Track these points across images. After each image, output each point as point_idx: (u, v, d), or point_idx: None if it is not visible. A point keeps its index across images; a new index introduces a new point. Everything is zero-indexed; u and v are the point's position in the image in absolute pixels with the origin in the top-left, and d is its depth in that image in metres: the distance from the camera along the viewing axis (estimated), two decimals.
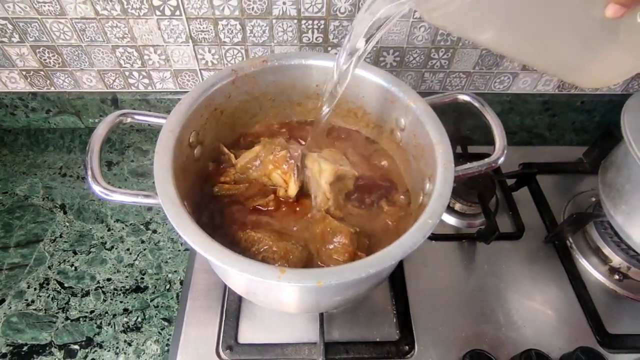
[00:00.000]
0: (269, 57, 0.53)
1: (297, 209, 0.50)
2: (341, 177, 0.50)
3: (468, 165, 0.45)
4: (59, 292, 0.59)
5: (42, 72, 0.72)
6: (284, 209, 0.51)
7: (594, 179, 0.63)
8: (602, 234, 0.64)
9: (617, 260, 0.62)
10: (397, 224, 0.50)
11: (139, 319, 0.57)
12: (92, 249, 0.64)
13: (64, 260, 0.63)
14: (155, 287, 0.60)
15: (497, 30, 0.35)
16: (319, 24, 0.65)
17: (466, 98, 0.50)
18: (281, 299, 0.46)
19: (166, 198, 0.39)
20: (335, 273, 0.35)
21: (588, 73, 0.36)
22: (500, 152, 0.45)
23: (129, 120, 0.46)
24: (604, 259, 0.63)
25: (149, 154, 0.77)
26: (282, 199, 0.51)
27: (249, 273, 0.34)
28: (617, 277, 0.61)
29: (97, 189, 0.39)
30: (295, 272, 0.34)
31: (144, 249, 0.64)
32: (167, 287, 0.60)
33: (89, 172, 0.39)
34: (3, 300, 0.58)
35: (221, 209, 0.50)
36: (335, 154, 0.53)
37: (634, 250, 0.59)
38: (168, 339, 0.55)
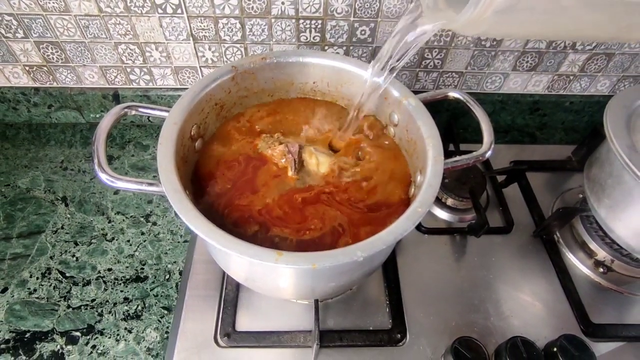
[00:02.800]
0: (268, 54, 0.55)
1: (295, 199, 0.52)
2: (338, 169, 0.52)
3: (457, 158, 0.47)
4: (60, 282, 0.61)
5: (45, 68, 0.73)
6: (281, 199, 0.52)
7: (582, 176, 0.65)
8: (587, 229, 0.66)
9: (602, 254, 0.64)
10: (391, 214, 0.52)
11: (139, 308, 0.59)
12: (93, 240, 0.65)
13: (66, 251, 0.64)
14: (155, 277, 0.62)
15: (533, 25, 0.35)
16: (316, 24, 0.67)
17: (456, 95, 0.52)
18: (278, 284, 0.47)
19: (169, 186, 0.41)
20: (330, 256, 0.36)
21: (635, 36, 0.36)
22: (488, 146, 0.47)
23: (133, 112, 0.47)
24: (590, 253, 0.65)
25: (149, 149, 0.78)
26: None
27: (248, 255, 0.36)
28: (601, 270, 0.64)
29: (103, 176, 0.41)
30: (291, 255, 0.36)
31: (144, 241, 0.66)
32: (167, 277, 0.62)
33: (96, 160, 0.41)
34: (6, 289, 0.60)
35: (221, 198, 0.52)
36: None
37: (617, 244, 0.61)
38: (167, 327, 0.57)
